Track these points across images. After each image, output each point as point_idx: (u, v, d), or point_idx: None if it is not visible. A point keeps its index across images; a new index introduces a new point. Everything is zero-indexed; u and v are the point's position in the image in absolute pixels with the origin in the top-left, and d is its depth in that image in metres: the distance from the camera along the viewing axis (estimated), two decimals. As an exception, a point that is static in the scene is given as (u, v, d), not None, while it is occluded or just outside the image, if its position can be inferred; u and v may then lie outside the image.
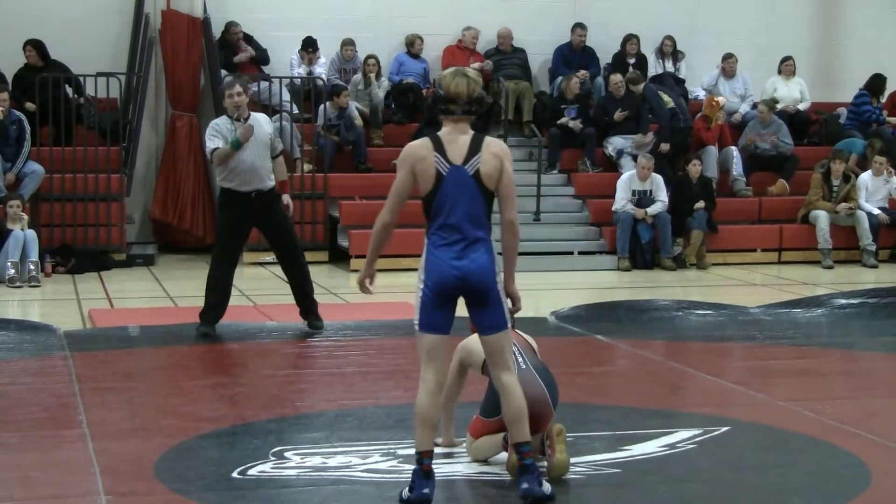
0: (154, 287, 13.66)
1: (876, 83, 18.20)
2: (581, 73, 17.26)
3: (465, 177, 5.90)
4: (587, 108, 16.91)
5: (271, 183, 10.22)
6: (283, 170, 10.59)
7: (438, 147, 5.91)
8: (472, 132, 5.98)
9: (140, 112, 16.06)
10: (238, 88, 10.15)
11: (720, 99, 17.11)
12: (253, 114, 10.33)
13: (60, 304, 12.38)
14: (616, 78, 16.67)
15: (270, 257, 15.15)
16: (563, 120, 16.67)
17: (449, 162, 5.90)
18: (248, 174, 10.07)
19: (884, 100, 18.31)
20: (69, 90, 15.78)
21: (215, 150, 10.06)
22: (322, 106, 16.12)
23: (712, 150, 16.68)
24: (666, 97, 16.59)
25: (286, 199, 10.41)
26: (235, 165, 10.05)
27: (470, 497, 6.08)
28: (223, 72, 16.15)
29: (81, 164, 15.31)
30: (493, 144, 5.96)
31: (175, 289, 13.28)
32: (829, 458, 6.81)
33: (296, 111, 16.18)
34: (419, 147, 5.95)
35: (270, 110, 16.03)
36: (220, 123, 10.21)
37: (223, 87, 10.40)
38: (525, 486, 5.80)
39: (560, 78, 17.42)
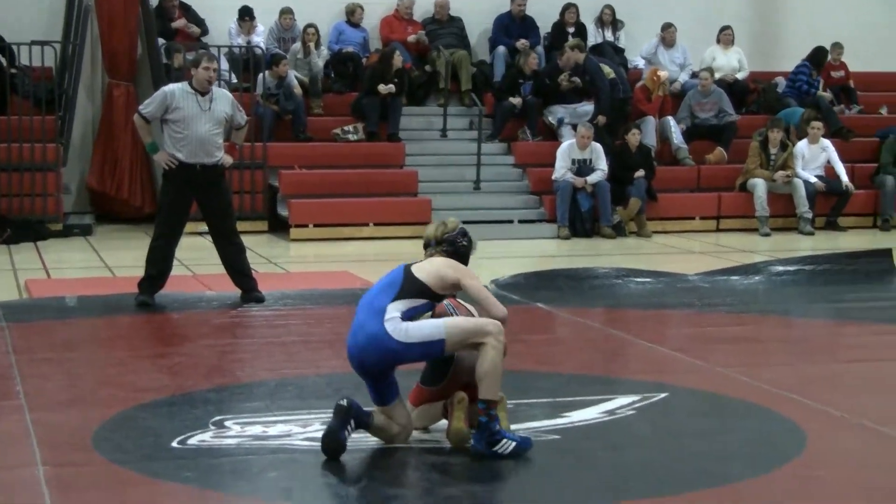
0: (92, 257, 13.55)
1: (818, 55, 18.35)
2: (521, 43, 17.24)
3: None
4: (538, 81, 16.83)
5: (218, 156, 10.15)
6: (241, 137, 10.70)
7: None
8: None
9: (76, 81, 15.89)
10: (215, 63, 10.18)
11: (663, 73, 17.15)
12: (215, 88, 10.26)
13: (-4, 274, 12.27)
14: (570, 53, 16.54)
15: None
16: (517, 100, 16.58)
17: None
18: (195, 146, 10.00)
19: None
20: (2, 59, 15.58)
21: (145, 118, 10.06)
22: (261, 75, 16.03)
23: (651, 120, 16.75)
24: (607, 69, 16.61)
25: (227, 157, 10.29)
26: (186, 136, 9.97)
27: (410, 464, 6.08)
28: (160, 40, 16.02)
29: (16, 133, 15.14)
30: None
31: (113, 259, 13.18)
32: (766, 422, 6.88)
33: (234, 81, 16.07)
34: None
35: (208, 79, 15.95)
36: (178, 94, 10.05)
37: (198, 58, 10.19)
38: (471, 441, 6.04)
39: (501, 48, 17.41)
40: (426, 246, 6.46)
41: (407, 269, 6.24)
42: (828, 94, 18.15)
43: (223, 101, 10.23)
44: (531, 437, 6.32)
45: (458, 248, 6.40)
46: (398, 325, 6.00)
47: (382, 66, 16.21)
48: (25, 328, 9.33)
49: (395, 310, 6.04)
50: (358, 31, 17.46)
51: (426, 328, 6.02)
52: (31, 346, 8.68)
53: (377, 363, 6.05)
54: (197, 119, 9.99)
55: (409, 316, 6.06)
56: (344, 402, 6.05)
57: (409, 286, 6.14)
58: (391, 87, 15.99)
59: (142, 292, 10.21)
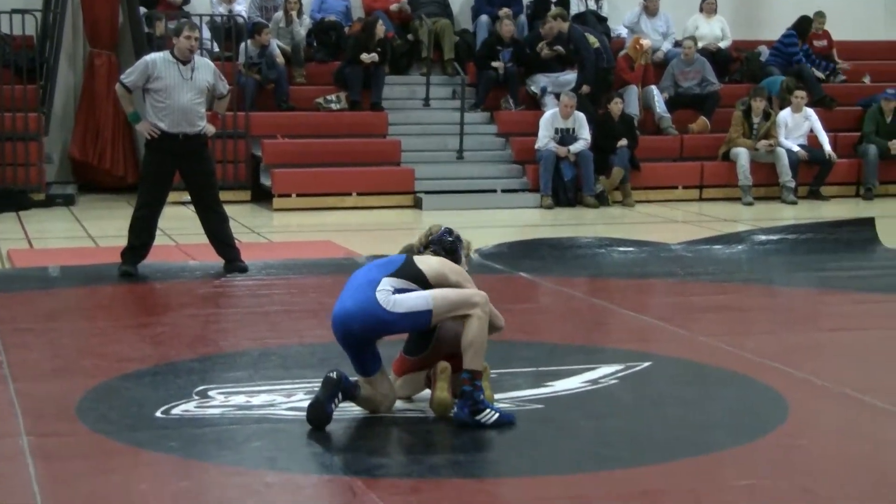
0: (74, 227, 13.52)
1: (803, 24, 18.35)
2: (504, 12, 17.19)
3: None
4: (520, 50, 16.79)
5: (201, 126, 10.12)
6: (224, 106, 10.79)
7: None
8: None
9: (57, 50, 15.81)
10: (197, 32, 10.15)
11: (646, 42, 17.12)
12: (197, 57, 10.24)
13: (-22, 244, 12.22)
14: (553, 23, 16.51)
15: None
16: (498, 64, 16.57)
17: None
18: (178, 115, 9.98)
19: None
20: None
21: (127, 86, 10.03)
22: (243, 44, 15.97)
23: (634, 89, 16.73)
24: (592, 38, 16.59)
25: (209, 127, 10.32)
26: (168, 105, 9.95)
27: (394, 433, 6.10)
28: (142, 9, 15.94)
29: (-2, 102, 15.08)
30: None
31: (96, 229, 13.15)
32: (749, 391, 6.91)
33: (217, 49, 16.01)
34: None
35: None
36: (160, 63, 10.02)
37: (179, 26, 10.15)
38: (454, 410, 6.07)
39: (484, 16, 17.37)
40: (416, 253, 6.44)
41: (409, 256, 6.28)
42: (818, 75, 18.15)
43: (205, 70, 10.20)
44: (515, 406, 6.35)
45: (445, 244, 6.46)
46: (388, 296, 6.01)
47: (365, 35, 16.16)
48: (8, 298, 9.32)
49: (388, 284, 6.06)
50: (340, -1, 17.39)
51: (413, 299, 6.03)
52: (13, 316, 8.66)
53: (361, 330, 6.05)
54: (179, 88, 9.96)
55: (399, 293, 6.07)
56: (333, 375, 6.06)
57: (407, 269, 6.16)
58: (374, 56, 15.95)
59: (125, 262, 10.19)
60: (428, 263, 6.23)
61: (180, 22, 10.44)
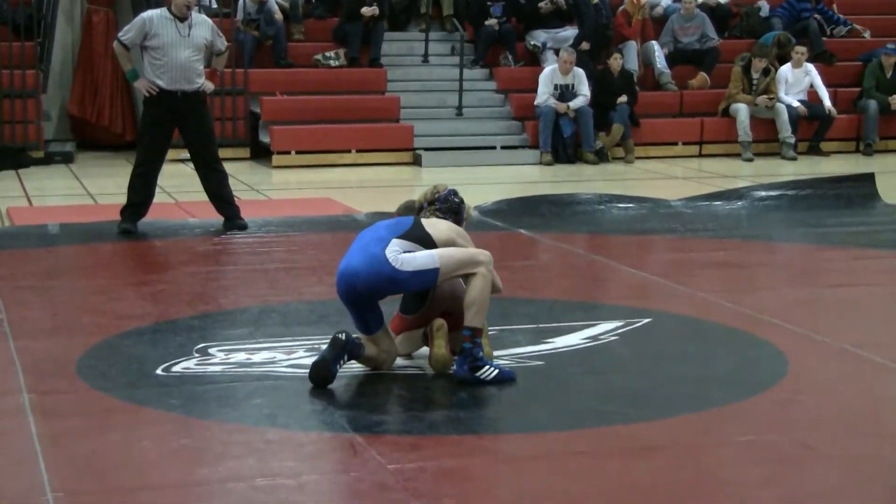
0: (73, 185, 13.50)
1: None
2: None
3: None
4: (513, 4, 16.72)
5: (199, 83, 10.09)
6: (222, 63, 10.73)
7: None
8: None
9: (55, 7, 15.75)
10: None
11: (641, -6, 17.12)
12: (195, 14, 10.19)
13: (-23, 202, 12.22)
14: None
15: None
16: (491, 21, 16.50)
17: None
18: (176, 72, 9.95)
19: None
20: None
21: (124, 44, 10.00)
22: (241, 0, 15.89)
23: (633, 45, 16.68)
24: (591, -7, 16.54)
25: (208, 84, 10.25)
26: (165, 62, 9.92)
27: (394, 390, 6.11)
28: (139, -35, 15.87)
29: (-5, 60, 15.02)
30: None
31: (95, 186, 13.14)
32: (749, 348, 6.91)
33: (215, 6, 15.94)
34: None
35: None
36: (157, 20, 9.97)
37: None
38: (454, 367, 6.12)
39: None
40: (419, 210, 6.47)
41: (417, 219, 6.26)
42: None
43: (203, 26, 10.15)
44: (515, 363, 6.36)
45: (451, 204, 6.46)
46: (398, 255, 6.01)
47: (363, -11, 16.08)
48: (8, 256, 9.32)
49: (397, 244, 6.05)
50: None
51: (420, 258, 6.02)
52: (13, 274, 8.66)
53: (367, 288, 6.05)
54: (176, 45, 9.92)
55: (407, 254, 6.06)
56: (342, 336, 6.06)
57: (415, 231, 6.14)
58: (374, 9, 15.87)
59: (124, 220, 10.18)
60: (437, 227, 6.21)
61: None
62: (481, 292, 6.04)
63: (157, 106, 10.07)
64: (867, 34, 18.80)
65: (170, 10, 10.03)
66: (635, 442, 5.36)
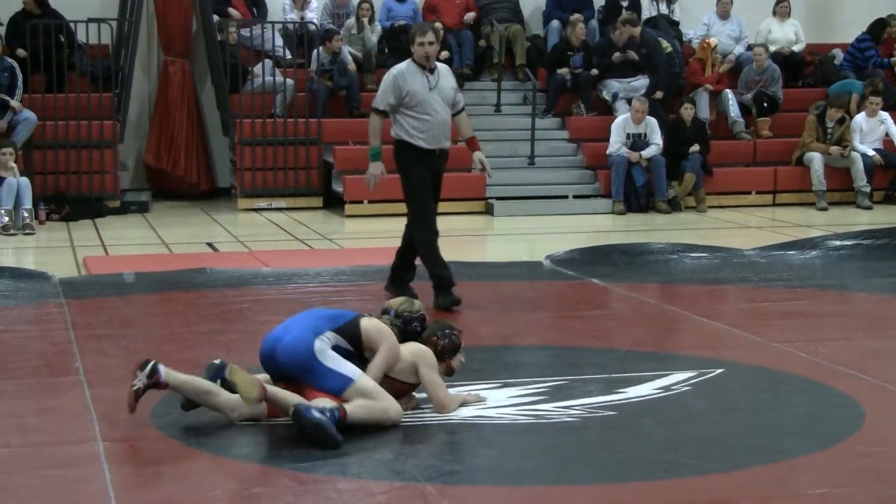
0: (149, 234, 13.65)
1: (878, 28, 18.16)
2: (575, 17, 17.16)
3: None
4: (590, 54, 16.75)
5: (449, 142, 9.70)
6: (468, 124, 9.85)
7: None
8: None
9: (132, 58, 15.97)
10: (431, 36, 9.13)
11: (711, 40, 17.07)
12: (438, 64, 9.42)
13: (55, 251, 12.37)
14: (624, 28, 16.49)
15: (265, 203, 15.19)
16: (563, 70, 16.53)
17: None
18: (436, 130, 9.48)
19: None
20: (60, 37, 15.68)
21: (379, 115, 9.50)
22: (315, 51, 16.05)
23: (704, 93, 16.65)
24: (664, 42, 16.54)
25: (479, 156, 9.75)
26: (427, 120, 9.34)
27: (465, 439, 6.10)
28: (214, 17, 16.08)
29: (74, 111, 15.23)
30: None
31: (169, 235, 13.27)
32: (823, 398, 6.84)
33: (288, 56, 16.12)
34: None
35: (263, 55, 16.00)
36: (408, 74, 9.21)
37: (412, 32, 9.32)
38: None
39: (555, 22, 17.35)
40: (384, 311, 6.56)
41: (358, 316, 6.36)
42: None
43: (447, 75, 9.49)
44: (587, 413, 6.34)
45: (408, 329, 6.49)
46: (325, 347, 6.12)
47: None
48: (84, 304, 9.42)
49: (329, 337, 6.18)
50: (405, 4, 17.33)
51: (344, 365, 6.12)
52: (89, 323, 8.76)
53: (285, 365, 6.15)
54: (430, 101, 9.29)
55: (334, 349, 6.18)
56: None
57: (349, 329, 6.25)
58: (446, 53, 15.91)
59: (445, 296, 9.29)
60: (378, 333, 6.28)
61: (415, 26, 9.59)
62: (370, 412, 6.03)
63: (420, 165, 9.57)
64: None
65: (415, 62, 9.29)
66: (707, 494, 5.32)
